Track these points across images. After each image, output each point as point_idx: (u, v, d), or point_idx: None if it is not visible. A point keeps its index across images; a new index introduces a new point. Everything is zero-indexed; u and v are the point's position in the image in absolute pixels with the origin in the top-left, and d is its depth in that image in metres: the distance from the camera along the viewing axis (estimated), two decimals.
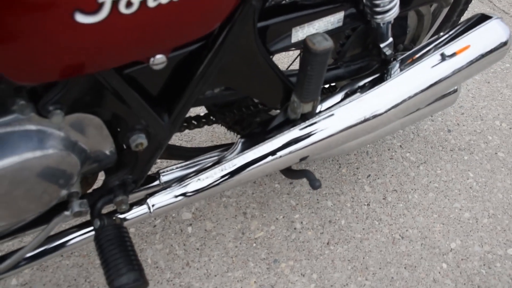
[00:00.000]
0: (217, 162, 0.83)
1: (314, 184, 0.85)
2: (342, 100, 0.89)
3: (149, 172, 0.90)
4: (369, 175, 1.24)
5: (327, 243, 1.10)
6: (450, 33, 0.92)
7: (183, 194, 0.82)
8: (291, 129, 0.81)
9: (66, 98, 0.59)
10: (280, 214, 1.15)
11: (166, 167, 0.90)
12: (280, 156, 0.81)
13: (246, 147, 0.82)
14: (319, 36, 0.66)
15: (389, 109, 0.86)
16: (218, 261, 1.06)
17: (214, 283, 1.02)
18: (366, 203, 1.18)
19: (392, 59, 0.95)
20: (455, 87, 0.97)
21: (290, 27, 0.75)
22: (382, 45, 0.87)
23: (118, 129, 0.72)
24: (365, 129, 0.88)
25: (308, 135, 0.82)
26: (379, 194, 1.20)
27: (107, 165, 0.77)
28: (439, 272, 1.05)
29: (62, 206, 0.74)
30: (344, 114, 0.85)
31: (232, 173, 0.81)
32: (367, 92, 0.87)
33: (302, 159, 0.88)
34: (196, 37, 0.59)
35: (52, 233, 0.76)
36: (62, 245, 0.78)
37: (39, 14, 0.43)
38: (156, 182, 0.89)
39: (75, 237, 0.77)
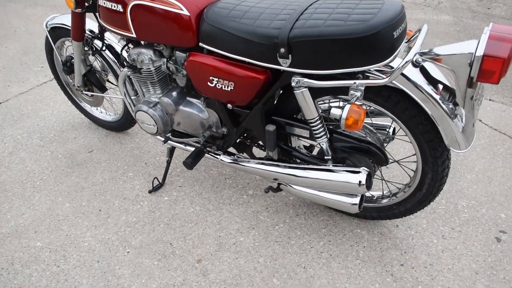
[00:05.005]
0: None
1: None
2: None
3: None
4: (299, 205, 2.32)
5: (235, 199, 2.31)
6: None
7: (234, 162, 2.02)
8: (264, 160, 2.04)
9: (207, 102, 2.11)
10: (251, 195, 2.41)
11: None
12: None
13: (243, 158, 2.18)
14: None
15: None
16: (218, 180, 2.46)
17: (210, 186, 2.44)
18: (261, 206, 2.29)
19: None
20: (351, 201, 1.76)
21: None
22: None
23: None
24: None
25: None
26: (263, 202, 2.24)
27: (218, 134, 2.02)
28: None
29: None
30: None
31: (241, 165, 1.99)
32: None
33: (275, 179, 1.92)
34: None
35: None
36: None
37: None
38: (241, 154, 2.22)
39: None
